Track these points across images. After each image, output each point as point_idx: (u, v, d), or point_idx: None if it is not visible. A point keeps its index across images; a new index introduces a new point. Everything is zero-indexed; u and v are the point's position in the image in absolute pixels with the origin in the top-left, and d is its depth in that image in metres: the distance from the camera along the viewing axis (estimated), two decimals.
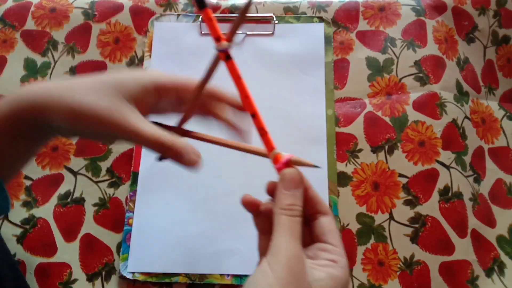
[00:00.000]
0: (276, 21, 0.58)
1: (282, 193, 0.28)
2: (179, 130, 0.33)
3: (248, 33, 0.57)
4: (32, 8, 0.60)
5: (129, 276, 0.47)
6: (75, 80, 0.31)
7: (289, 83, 0.55)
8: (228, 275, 0.47)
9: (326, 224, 0.28)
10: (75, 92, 0.29)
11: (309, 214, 0.29)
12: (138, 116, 0.30)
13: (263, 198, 0.31)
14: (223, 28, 0.26)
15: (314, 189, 0.29)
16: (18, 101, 0.30)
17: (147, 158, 0.52)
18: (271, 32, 0.57)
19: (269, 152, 0.29)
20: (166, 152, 0.30)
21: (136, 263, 0.48)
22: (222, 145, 0.32)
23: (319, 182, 0.50)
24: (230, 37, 0.27)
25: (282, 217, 0.27)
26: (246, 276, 0.47)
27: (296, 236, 0.26)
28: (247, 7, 0.26)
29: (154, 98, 0.32)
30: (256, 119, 0.29)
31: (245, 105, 0.28)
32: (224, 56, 0.27)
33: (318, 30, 0.57)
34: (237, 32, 0.27)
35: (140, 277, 0.47)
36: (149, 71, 0.32)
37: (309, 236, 0.29)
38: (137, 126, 0.29)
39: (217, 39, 0.27)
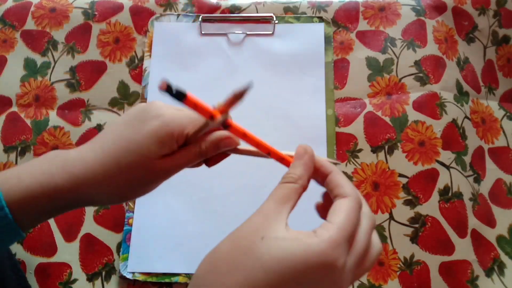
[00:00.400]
0: (276, 21, 0.58)
1: None
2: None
3: (248, 33, 0.57)
4: (32, 8, 0.60)
5: (129, 276, 0.47)
6: (108, 152, 0.30)
7: (289, 83, 0.55)
8: None
9: (335, 204, 0.27)
10: (113, 178, 0.30)
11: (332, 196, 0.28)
12: (169, 156, 0.31)
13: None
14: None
15: (327, 166, 0.29)
16: (58, 178, 0.30)
17: None
18: (271, 32, 0.57)
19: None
20: (211, 151, 0.31)
21: (136, 263, 0.48)
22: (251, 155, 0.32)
23: None
24: (225, 110, 0.26)
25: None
26: None
27: (274, 198, 0.26)
28: (243, 91, 0.24)
29: (175, 144, 0.31)
30: (273, 155, 0.30)
31: (261, 150, 0.30)
32: (223, 127, 0.28)
33: (318, 30, 0.57)
34: (232, 107, 0.25)
35: (140, 277, 0.47)
36: (164, 115, 0.30)
37: None
38: (180, 157, 0.31)
39: (211, 117, 0.26)
